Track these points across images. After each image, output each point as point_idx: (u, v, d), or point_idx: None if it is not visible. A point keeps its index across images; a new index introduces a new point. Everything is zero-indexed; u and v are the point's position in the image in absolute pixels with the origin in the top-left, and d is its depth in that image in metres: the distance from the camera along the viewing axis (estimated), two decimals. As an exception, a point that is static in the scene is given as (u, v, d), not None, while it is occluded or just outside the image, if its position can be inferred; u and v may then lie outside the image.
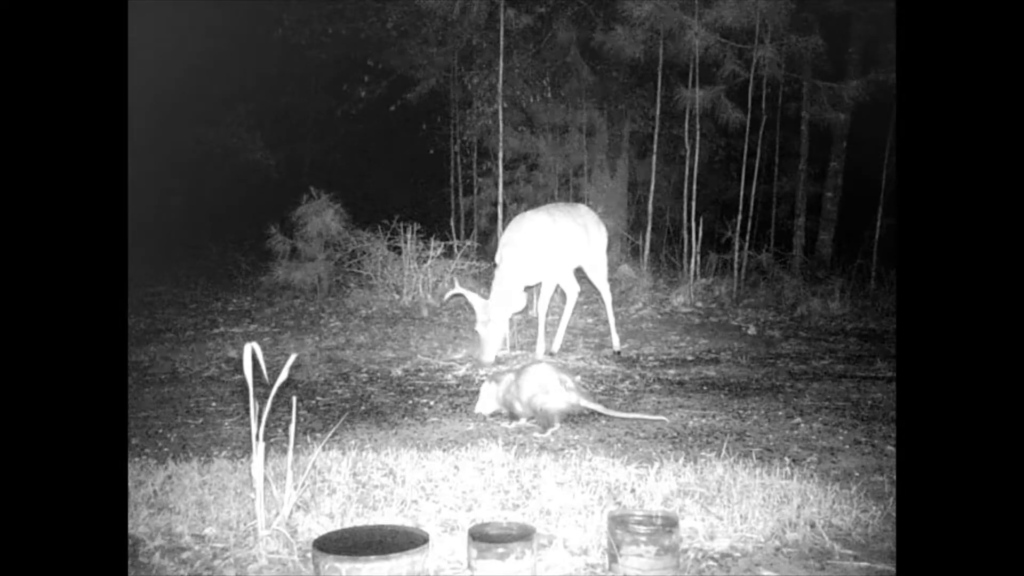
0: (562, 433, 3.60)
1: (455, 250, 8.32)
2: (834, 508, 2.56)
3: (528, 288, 5.83)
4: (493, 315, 5.12)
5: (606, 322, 6.98)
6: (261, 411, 2.28)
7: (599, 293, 5.92)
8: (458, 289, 5.46)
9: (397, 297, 7.93)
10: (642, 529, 2.13)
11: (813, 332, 6.71)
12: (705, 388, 4.60)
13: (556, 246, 5.42)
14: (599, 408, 3.73)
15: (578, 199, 10.32)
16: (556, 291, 7.94)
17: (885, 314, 7.53)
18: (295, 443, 2.65)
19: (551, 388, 3.61)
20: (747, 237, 8.74)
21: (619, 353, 5.61)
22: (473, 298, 5.27)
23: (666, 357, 5.59)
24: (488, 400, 3.83)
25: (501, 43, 8.21)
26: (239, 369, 4.93)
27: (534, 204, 10.52)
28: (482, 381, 4.77)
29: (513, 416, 3.73)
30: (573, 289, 5.84)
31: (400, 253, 8.14)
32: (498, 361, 5.31)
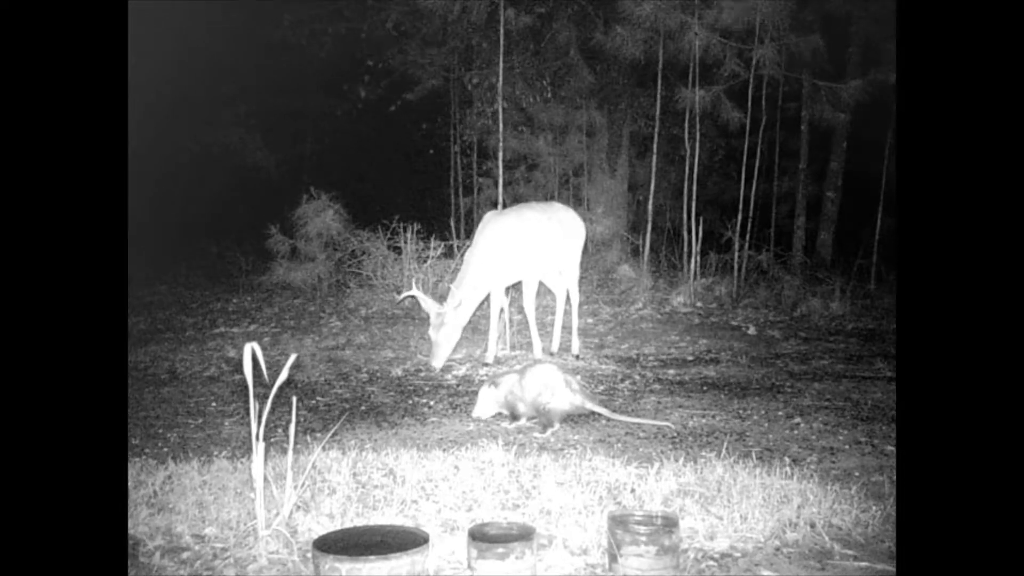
0: (562, 433, 3.60)
1: (455, 250, 8.32)
2: (834, 508, 2.55)
3: (509, 288, 5.80)
4: (447, 319, 4.99)
5: (606, 322, 7.00)
6: (261, 411, 2.28)
7: (568, 293, 5.70)
8: (412, 291, 5.34)
9: (397, 297, 7.93)
10: (642, 529, 2.13)
11: (813, 332, 6.71)
12: (705, 388, 4.60)
13: (524, 245, 5.28)
14: (603, 411, 3.72)
15: (578, 199, 10.33)
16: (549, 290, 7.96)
17: (885, 314, 7.53)
18: (295, 443, 2.65)
19: (556, 389, 3.60)
20: (747, 237, 8.73)
21: (578, 357, 5.45)
22: (427, 301, 5.14)
23: (666, 357, 5.59)
24: (487, 403, 3.80)
25: (501, 43, 8.20)
26: (239, 369, 4.93)
27: (533, 204, 10.53)
28: (482, 381, 4.77)
29: (515, 416, 3.73)
30: (560, 288, 5.75)
31: (400, 253, 8.14)
32: (497, 361, 5.31)
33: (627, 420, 3.76)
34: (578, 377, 3.94)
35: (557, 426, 3.61)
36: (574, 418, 3.75)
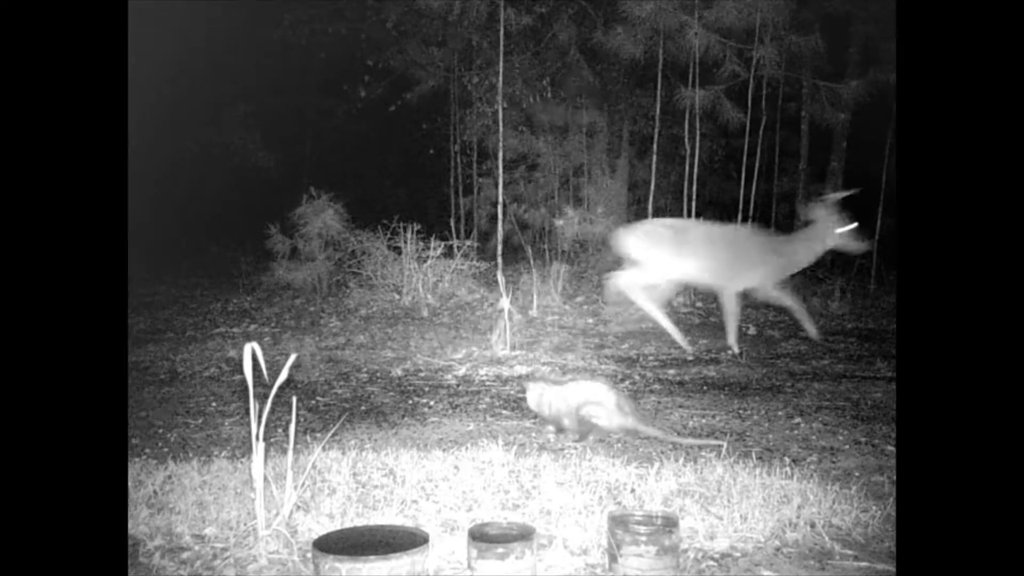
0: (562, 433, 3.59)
1: (455, 250, 8.33)
2: (834, 508, 2.55)
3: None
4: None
5: (607, 322, 7.01)
6: (261, 411, 2.28)
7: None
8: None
9: (397, 297, 7.93)
10: (642, 529, 2.13)
11: (813, 332, 6.70)
12: (705, 388, 4.60)
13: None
14: (659, 434, 3.48)
15: (578, 199, 10.33)
16: (561, 292, 7.96)
17: (885, 314, 7.53)
18: (295, 443, 2.65)
19: (607, 406, 3.42)
20: (747, 237, 8.72)
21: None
22: None
23: (666, 357, 5.59)
24: (533, 397, 3.62)
25: (501, 43, 8.20)
26: (239, 369, 4.93)
27: (534, 204, 10.55)
28: (483, 382, 4.78)
29: (559, 429, 3.56)
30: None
31: (400, 253, 8.14)
32: (499, 361, 5.31)
33: (683, 442, 3.48)
34: (630, 400, 3.71)
35: (591, 440, 3.46)
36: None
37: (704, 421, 3.83)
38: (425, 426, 3.78)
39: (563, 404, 3.51)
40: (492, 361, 5.30)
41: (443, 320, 7.09)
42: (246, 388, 2.25)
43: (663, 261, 5.86)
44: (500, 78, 8.33)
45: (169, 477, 2.84)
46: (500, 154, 8.38)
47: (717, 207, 10.87)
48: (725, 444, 3.46)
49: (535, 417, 3.72)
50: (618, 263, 9.35)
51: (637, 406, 3.54)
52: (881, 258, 9.41)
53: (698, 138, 8.48)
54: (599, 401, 3.45)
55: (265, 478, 2.34)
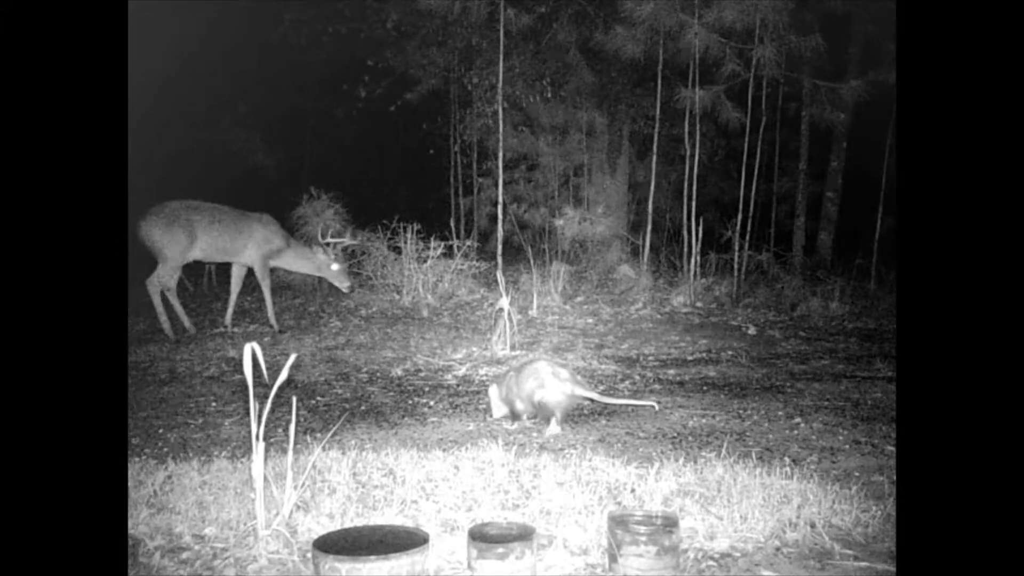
0: (562, 433, 3.59)
1: (455, 250, 8.33)
2: (834, 508, 2.55)
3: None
4: None
5: (606, 322, 7.00)
6: (261, 411, 2.28)
7: None
8: None
9: (397, 297, 7.93)
10: (642, 529, 2.13)
11: (813, 332, 6.71)
12: (705, 388, 4.60)
13: None
14: (593, 395, 3.67)
15: (578, 199, 10.34)
16: (561, 292, 7.96)
17: (885, 314, 7.53)
18: (295, 443, 2.65)
19: (547, 381, 3.58)
20: (747, 237, 8.74)
21: None
22: None
23: (666, 357, 5.59)
24: (496, 403, 3.80)
25: (501, 43, 8.20)
26: (239, 369, 4.93)
27: (534, 204, 10.56)
28: (483, 382, 4.78)
29: (515, 415, 3.72)
30: None
31: (400, 253, 8.14)
32: (499, 361, 5.32)
33: (614, 402, 3.82)
34: (570, 368, 3.86)
35: (558, 429, 3.57)
36: (574, 418, 3.74)
37: (704, 421, 3.83)
38: (425, 426, 3.78)
39: (516, 389, 3.66)
40: (492, 361, 5.30)
41: (443, 320, 7.09)
42: (246, 388, 2.25)
43: None
44: (500, 78, 8.33)
45: (169, 477, 2.84)
46: (500, 154, 8.39)
47: (717, 207, 10.88)
48: (657, 407, 3.78)
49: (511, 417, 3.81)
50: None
51: (574, 372, 3.71)
52: (881, 258, 9.42)
53: (698, 138, 8.48)
54: (539, 379, 3.58)
55: (265, 478, 2.34)
